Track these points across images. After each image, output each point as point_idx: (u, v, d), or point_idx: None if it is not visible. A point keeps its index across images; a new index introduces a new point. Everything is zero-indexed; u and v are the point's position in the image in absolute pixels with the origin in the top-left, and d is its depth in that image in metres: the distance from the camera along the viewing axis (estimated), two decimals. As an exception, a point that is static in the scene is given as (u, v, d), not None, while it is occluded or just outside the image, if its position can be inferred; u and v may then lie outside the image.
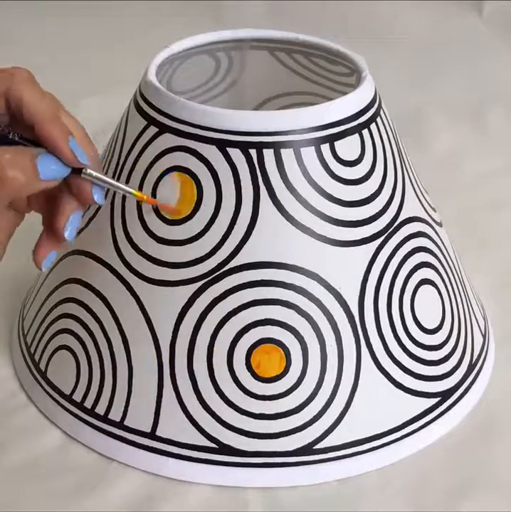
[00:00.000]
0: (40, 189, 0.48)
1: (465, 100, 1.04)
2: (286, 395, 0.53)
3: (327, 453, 0.53)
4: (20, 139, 0.48)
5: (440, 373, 0.57)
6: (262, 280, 0.52)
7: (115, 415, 0.55)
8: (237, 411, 0.53)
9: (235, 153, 0.52)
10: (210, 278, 0.52)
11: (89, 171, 0.48)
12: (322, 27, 0.94)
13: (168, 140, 0.53)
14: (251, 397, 0.53)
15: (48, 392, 0.58)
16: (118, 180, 0.56)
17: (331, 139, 0.53)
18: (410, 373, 0.55)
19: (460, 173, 0.90)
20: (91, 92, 1.03)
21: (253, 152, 0.52)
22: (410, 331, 0.55)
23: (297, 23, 1.08)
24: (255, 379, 0.52)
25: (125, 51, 1.14)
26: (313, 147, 0.52)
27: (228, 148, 0.52)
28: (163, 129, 0.54)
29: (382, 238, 0.55)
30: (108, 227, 0.55)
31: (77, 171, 0.48)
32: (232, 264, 0.52)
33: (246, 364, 0.52)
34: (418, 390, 0.56)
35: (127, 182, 0.55)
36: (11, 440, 0.57)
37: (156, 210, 0.53)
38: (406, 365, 0.55)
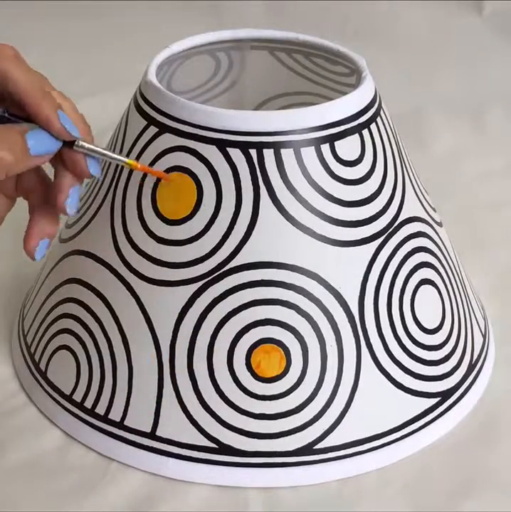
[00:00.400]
0: (32, 166, 0.47)
1: (465, 100, 1.04)
2: (286, 395, 0.53)
3: (327, 453, 0.53)
4: (10, 115, 0.47)
5: (440, 373, 0.57)
6: (262, 280, 0.52)
7: (115, 415, 0.55)
8: (237, 411, 0.53)
9: (235, 153, 0.52)
10: (210, 278, 0.52)
11: (81, 143, 0.48)
12: (322, 27, 0.94)
13: (168, 140, 0.53)
14: (251, 397, 0.53)
15: (48, 392, 0.58)
16: (118, 179, 0.56)
17: (331, 139, 0.53)
18: (410, 373, 0.55)
19: (460, 173, 0.90)
20: (91, 92, 1.02)
21: (253, 152, 0.52)
22: (410, 331, 0.55)
23: (297, 23, 1.08)
24: (255, 379, 0.52)
25: (125, 51, 1.14)
26: (313, 147, 0.52)
27: (228, 148, 0.52)
28: (163, 129, 0.53)
29: (382, 238, 0.55)
30: (108, 227, 0.55)
31: (69, 144, 0.48)
32: (232, 264, 0.52)
33: (246, 364, 0.52)
34: (418, 390, 0.56)
35: (127, 181, 0.55)
36: (11, 440, 0.57)
37: (157, 210, 0.53)
38: (406, 365, 0.55)
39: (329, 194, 0.53)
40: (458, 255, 0.63)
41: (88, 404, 0.56)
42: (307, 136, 0.52)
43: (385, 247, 0.55)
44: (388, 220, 0.55)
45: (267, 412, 0.53)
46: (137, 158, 0.55)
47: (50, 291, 0.60)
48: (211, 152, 0.52)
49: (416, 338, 0.56)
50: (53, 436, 0.57)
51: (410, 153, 0.60)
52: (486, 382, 0.61)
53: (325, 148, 0.53)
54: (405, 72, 1.12)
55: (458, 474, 0.55)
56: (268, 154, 0.52)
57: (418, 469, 0.55)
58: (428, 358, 0.56)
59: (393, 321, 0.55)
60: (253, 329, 0.52)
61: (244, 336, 0.52)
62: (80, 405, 0.56)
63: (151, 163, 0.54)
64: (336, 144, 0.53)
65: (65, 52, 1.14)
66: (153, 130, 0.54)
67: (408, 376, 0.55)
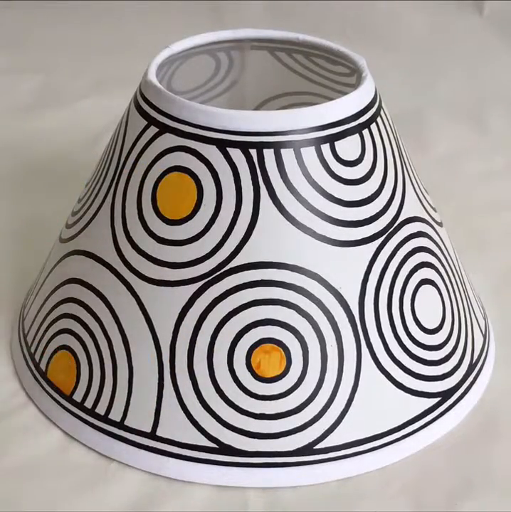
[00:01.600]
0: None
1: (465, 100, 1.04)
2: (286, 395, 0.53)
3: (327, 453, 0.53)
4: None
5: (440, 373, 0.57)
6: (262, 280, 0.52)
7: (115, 415, 0.55)
8: (237, 411, 0.53)
9: (236, 153, 0.52)
10: (210, 278, 0.52)
11: None
12: (322, 27, 0.94)
13: (168, 140, 0.53)
14: (251, 397, 0.53)
15: (48, 392, 0.58)
16: (118, 179, 0.56)
17: (331, 139, 0.53)
18: (410, 373, 0.55)
19: (460, 173, 0.90)
20: (91, 92, 1.03)
21: (253, 152, 0.52)
22: (410, 331, 0.55)
23: (297, 23, 1.09)
24: (256, 379, 0.52)
25: (125, 51, 1.14)
26: (313, 147, 0.52)
27: (228, 148, 0.52)
28: (163, 129, 0.53)
29: (382, 238, 0.55)
30: (108, 227, 0.55)
31: None
32: (232, 264, 0.52)
33: (246, 364, 0.52)
34: (419, 390, 0.56)
35: (127, 182, 0.55)
36: (11, 440, 0.57)
37: (157, 210, 0.53)
38: (406, 365, 0.55)
39: (330, 194, 0.53)
40: (458, 255, 0.63)
41: (88, 404, 0.56)
42: (307, 136, 0.52)
43: (385, 247, 0.55)
44: (389, 220, 0.55)
45: (267, 412, 0.53)
46: (138, 158, 0.55)
47: (51, 291, 0.60)
48: (211, 152, 0.52)
49: (416, 338, 0.56)
50: (53, 437, 0.57)
51: (410, 154, 0.60)
52: (486, 382, 0.61)
53: (325, 148, 0.53)
54: (405, 72, 1.12)
55: (458, 474, 0.55)
56: (268, 154, 0.52)
57: (419, 469, 0.55)
58: (428, 358, 0.56)
59: (393, 321, 0.55)
60: (253, 329, 0.52)
61: (244, 336, 0.52)
62: (80, 405, 0.56)
63: (152, 163, 0.54)
64: (337, 143, 0.53)
65: (65, 52, 1.14)
66: (153, 130, 0.54)
67: (409, 376, 0.55)
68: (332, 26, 1.14)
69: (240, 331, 0.52)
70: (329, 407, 0.53)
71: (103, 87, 1.01)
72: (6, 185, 0.85)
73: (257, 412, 0.53)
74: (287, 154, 0.52)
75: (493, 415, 0.59)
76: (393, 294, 0.55)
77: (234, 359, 0.52)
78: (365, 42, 1.00)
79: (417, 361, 0.56)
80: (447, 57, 1.15)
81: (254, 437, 0.53)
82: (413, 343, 0.56)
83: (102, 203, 0.57)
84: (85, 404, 0.56)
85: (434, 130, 0.98)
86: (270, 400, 0.53)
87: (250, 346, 0.52)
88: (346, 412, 0.53)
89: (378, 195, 0.55)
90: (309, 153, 0.52)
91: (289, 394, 0.53)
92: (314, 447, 0.53)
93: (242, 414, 0.53)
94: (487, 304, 0.68)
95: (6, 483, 0.54)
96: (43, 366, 0.59)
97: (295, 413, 0.53)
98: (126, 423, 0.54)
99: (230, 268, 0.52)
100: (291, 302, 0.52)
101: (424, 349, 0.56)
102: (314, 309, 0.53)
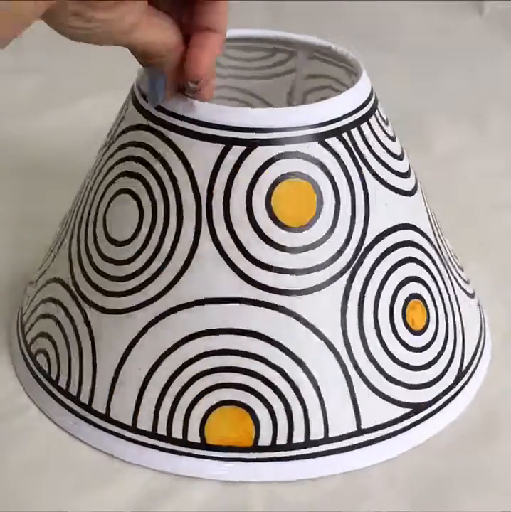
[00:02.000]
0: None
1: (465, 100, 1.04)
2: (430, 346, 0.57)
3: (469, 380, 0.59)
4: None
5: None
6: (393, 244, 0.55)
7: (317, 434, 0.54)
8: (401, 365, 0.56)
9: (334, 142, 0.53)
10: (355, 262, 0.54)
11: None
12: (322, 27, 0.90)
13: (262, 153, 0.52)
14: (412, 351, 0.56)
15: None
16: (210, 214, 0.52)
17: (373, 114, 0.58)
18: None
19: (460, 173, 0.90)
20: (91, 92, 1.00)
21: (345, 135, 0.54)
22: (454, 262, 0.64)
23: (298, 22, 1.06)
24: (411, 333, 0.56)
25: (126, 50, 0.97)
26: (373, 116, 0.57)
27: (326, 140, 0.53)
28: (252, 145, 0.52)
29: (419, 186, 0.61)
30: (223, 263, 0.52)
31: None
32: (366, 242, 0.54)
33: (403, 321, 0.56)
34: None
35: (225, 210, 0.52)
36: (11, 440, 0.55)
37: (278, 222, 0.52)
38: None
39: (392, 152, 0.58)
40: (458, 255, 0.66)
41: (264, 442, 0.53)
42: (373, 110, 0.57)
43: (423, 194, 0.61)
44: (414, 174, 0.61)
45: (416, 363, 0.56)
46: (229, 181, 0.52)
47: (165, 352, 0.54)
48: (313, 147, 0.53)
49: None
50: (54, 436, 0.56)
51: (411, 153, 0.63)
52: (479, 383, 0.62)
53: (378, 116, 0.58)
54: (405, 73, 1.09)
55: (458, 473, 0.55)
56: (355, 133, 0.54)
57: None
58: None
59: (447, 247, 0.62)
60: (400, 290, 0.55)
61: (397, 296, 0.55)
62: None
63: (255, 177, 0.52)
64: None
65: (65, 52, 0.95)
66: (239, 150, 0.52)
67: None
68: (331, 26, 1.08)
69: (392, 295, 0.55)
70: (456, 346, 0.59)
71: (103, 87, 0.95)
72: (6, 185, 0.84)
73: (418, 364, 0.56)
74: (365, 128, 0.55)
75: (492, 413, 0.59)
76: (439, 228, 0.62)
77: (394, 318, 0.55)
78: (365, 42, 0.97)
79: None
80: (447, 57, 1.14)
81: (412, 388, 0.56)
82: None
83: (196, 243, 0.53)
84: (258, 445, 0.53)
85: (434, 130, 0.97)
86: (420, 351, 0.57)
87: (402, 305, 0.56)
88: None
89: (404, 153, 0.61)
90: (374, 121, 0.57)
91: (431, 344, 0.57)
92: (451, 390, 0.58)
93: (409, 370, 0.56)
94: (486, 304, 0.68)
95: (7, 482, 0.53)
96: (194, 429, 0.53)
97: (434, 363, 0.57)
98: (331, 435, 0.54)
99: (367, 246, 0.54)
100: (413, 257, 0.56)
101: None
102: (426, 259, 0.58)
